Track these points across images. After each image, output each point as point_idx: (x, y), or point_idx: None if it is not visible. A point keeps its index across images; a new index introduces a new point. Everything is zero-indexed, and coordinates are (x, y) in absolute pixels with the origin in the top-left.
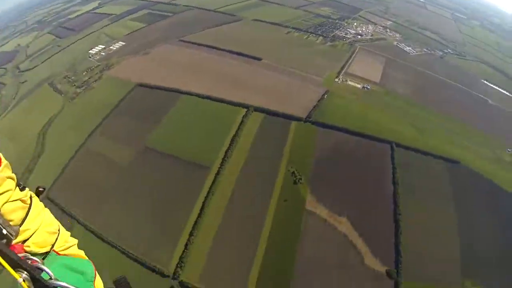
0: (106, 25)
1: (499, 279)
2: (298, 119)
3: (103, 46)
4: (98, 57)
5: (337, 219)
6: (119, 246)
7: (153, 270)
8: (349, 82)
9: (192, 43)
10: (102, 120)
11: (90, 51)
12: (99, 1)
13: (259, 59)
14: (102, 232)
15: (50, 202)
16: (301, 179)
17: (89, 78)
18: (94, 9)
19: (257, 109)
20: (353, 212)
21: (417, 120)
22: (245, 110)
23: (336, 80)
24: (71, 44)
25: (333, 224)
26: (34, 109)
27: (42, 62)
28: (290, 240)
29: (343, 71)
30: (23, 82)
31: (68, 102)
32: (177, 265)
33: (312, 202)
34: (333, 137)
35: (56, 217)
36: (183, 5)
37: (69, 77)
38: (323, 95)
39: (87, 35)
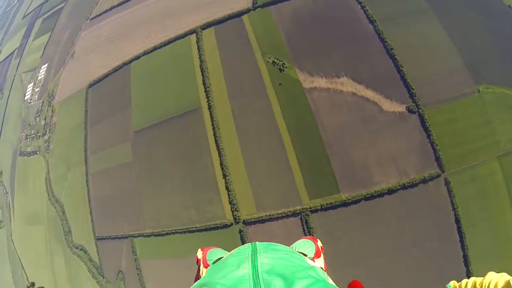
0: (18, 64)
1: (507, 72)
2: (246, 11)
3: (32, 84)
4: (36, 97)
5: (338, 81)
6: (175, 230)
7: (217, 228)
8: None
9: (103, 12)
10: (85, 143)
11: (25, 98)
12: None
13: None
14: (154, 230)
15: (101, 240)
16: (284, 63)
17: (45, 119)
18: None
19: (204, 27)
20: (349, 66)
21: None
22: (195, 35)
23: None
24: (4, 110)
25: (337, 89)
26: (28, 186)
27: None
28: (307, 123)
29: None
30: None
31: (47, 154)
32: (231, 210)
33: (306, 79)
34: (289, 7)
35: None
36: None
37: (29, 135)
38: None
39: (9, 90)
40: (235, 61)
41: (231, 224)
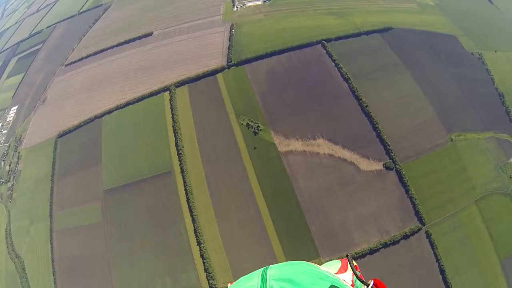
0: None
1: (475, 117)
2: (221, 69)
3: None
4: (2, 139)
5: (314, 143)
6: None
7: None
8: (248, 4)
9: (78, 60)
10: (51, 197)
11: None
12: None
13: (150, 34)
14: None
15: None
16: (258, 126)
17: (10, 165)
18: None
19: (178, 84)
20: (325, 127)
21: (332, 7)
22: (168, 92)
23: (235, 9)
24: None
25: (314, 151)
26: None
27: None
28: (284, 188)
29: None
30: None
31: (9, 203)
32: (207, 278)
33: (282, 142)
34: (263, 66)
35: None
36: (46, 28)
37: None
38: (231, 31)
39: None
40: (208, 122)
41: None
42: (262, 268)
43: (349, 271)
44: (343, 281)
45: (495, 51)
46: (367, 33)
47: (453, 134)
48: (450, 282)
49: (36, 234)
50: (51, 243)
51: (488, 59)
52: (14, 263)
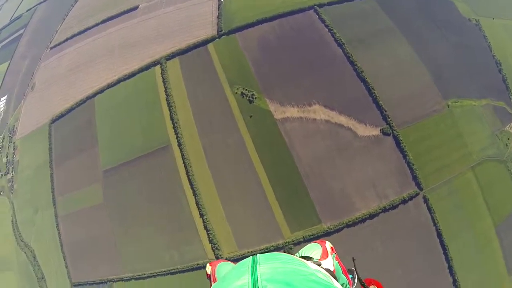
0: None
1: (472, 84)
2: (211, 39)
3: None
4: None
5: (310, 109)
6: (157, 273)
7: (199, 268)
8: None
9: (63, 41)
10: (51, 183)
11: None
12: None
13: (135, 8)
14: (134, 274)
15: (78, 286)
16: (253, 94)
17: (7, 157)
18: None
19: (169, 57)
20: (320, 93)
21: None
22: (159, 66)
23: None
24: None
25: (310, 117)
26: None
27: None
28: (282, 155)
29: None
30: None
31: (11, 195)
32: (212, 249)
33: (277, 109)
34: (255, 34)
35: None
36: (26, 12)
37: None
38: None
39: None
40: (203, 94)
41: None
42: (250, 261)
43: (330, 258)
44: (333, 281)
45: (493, 18)
46: None
47: (450, 100)
48: (447, 246)
49: (41, 222)
50: (58, 229)
51: (485, 26)
52: (25, 252)
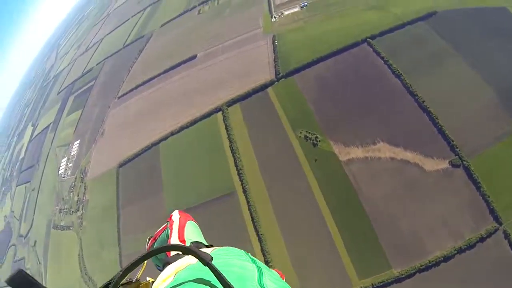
0: (53, 138)
1: None
2: (270, 83)
3: (65, 159)
4: (69, 172)
5: (375, 148)
6: None
7: None
8: (286, 12)
9: (129, 91)
10: (118, 224)
11: (59, 172)
12: (31, 122)
13: (194, 57)
14: None
15: None
16: (317, 137)
17: (78, 195)
18: (32, 134)
19: (230, 103)
20: (383, 130)
21: (369, 0)
22: (221, 112)
23: (273, 20)
24: (40, 181)
25: (375, 156)
26: (61, 260)
27: (33, 216)
28: (350, 200)
29: (271, 7)
30: (34, 245)
31: (80, 231)
32: None
33: (342, 150)
34: (311, 74)
35: None
36: (96, 65)
37: (62, 209)
38: (274, 42)
39: (44, 162)
40: (266, 139)
41: None
42: (256, 272)
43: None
44: None
45: None
46: (411, 22)
47: None
48: None
49: (106, 258)
50: (121, 267)
51: None
52: (88, 286)
